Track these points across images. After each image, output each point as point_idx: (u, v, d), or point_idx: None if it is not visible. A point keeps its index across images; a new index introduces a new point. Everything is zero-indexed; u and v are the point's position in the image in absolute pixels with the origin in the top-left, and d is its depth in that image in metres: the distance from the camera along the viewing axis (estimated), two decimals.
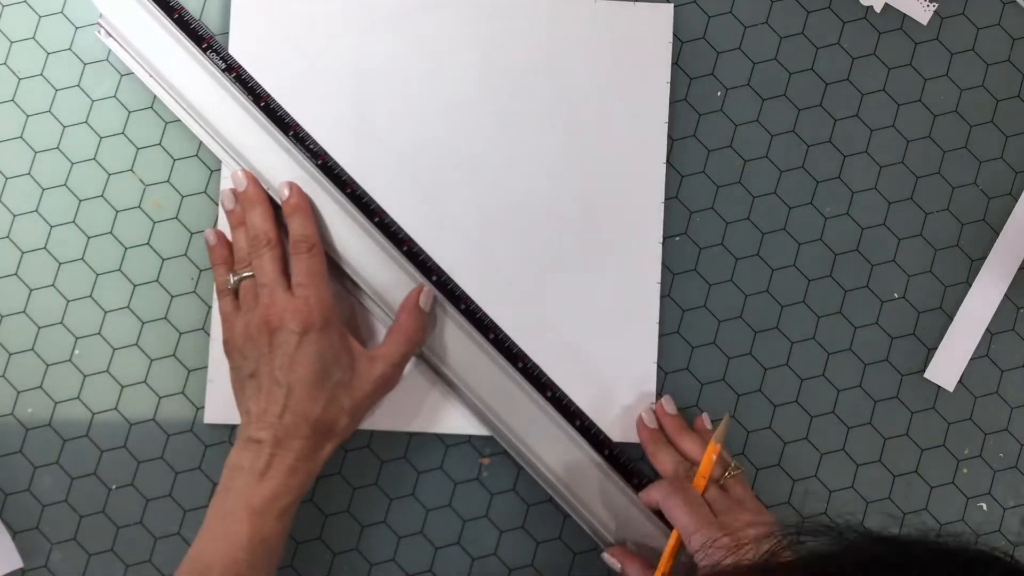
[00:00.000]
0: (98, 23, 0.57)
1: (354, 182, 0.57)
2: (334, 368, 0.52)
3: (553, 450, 0.56)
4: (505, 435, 0.56)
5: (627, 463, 0.57)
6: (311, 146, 0.57)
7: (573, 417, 0.57)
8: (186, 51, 0.57)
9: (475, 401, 0.56)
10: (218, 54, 0.57)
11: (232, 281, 0.54)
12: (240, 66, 0.57)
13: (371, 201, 0.57)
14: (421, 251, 0.57)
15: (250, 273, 0.54)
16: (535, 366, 0.57)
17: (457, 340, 0.57)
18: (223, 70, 0.57)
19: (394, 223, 0.57)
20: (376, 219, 0.57)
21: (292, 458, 0.50)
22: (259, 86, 0.57)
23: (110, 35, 0.57)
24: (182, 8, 0.57)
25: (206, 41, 0.57)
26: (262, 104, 0.57)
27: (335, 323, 0.53)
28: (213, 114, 0.57)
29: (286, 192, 0.55)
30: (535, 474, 0.56)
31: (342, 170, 0.57)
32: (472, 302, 0.57)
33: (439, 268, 0.57)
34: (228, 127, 0.57)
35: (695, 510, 0.51)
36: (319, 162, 0.57)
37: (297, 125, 0.57)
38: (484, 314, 0.57)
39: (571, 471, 0.56)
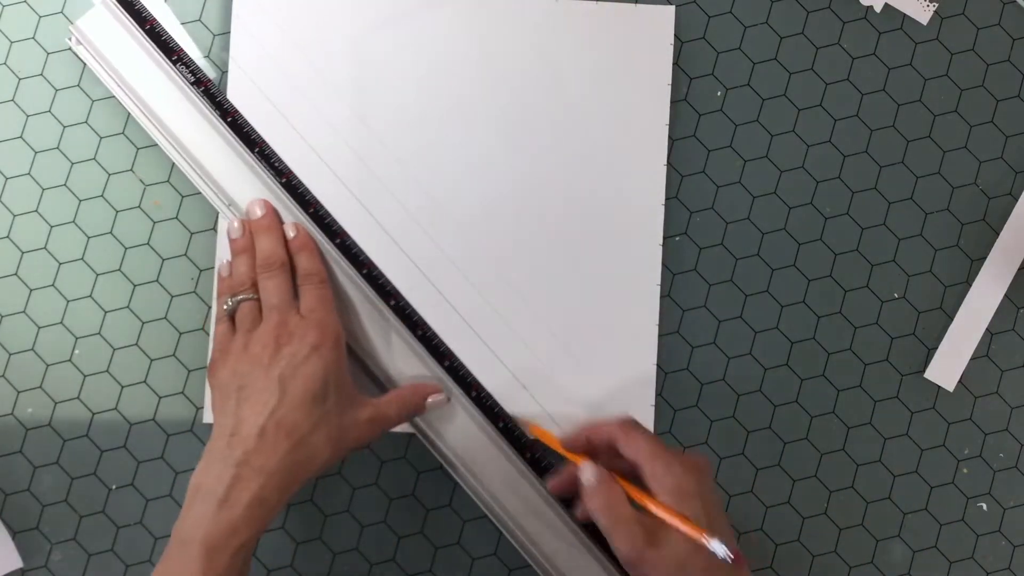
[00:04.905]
0: (69, 30, 0.57)
1: (317, 202, 0.57)
2: (332, 392, 0.50)
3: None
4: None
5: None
6: (276, 163, 0.57)
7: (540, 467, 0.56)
8: (156, 64, 0.57)
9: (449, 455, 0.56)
10: (187, 67, 0.57)
11: (229, 303, 0.53)
12: (209, 80, 0.57)
13: (333, 222, 0.57)
14: (381, 275, 0.57)
15: (250, 295, 0.53)
16: (494, 402, 0.57)
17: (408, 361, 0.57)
18: (191, 83, 0.57)
19: (355, 245, 0.57)
20: (337, 240, 0.57)
21: (258, 485, 0.46)
22: (227, 101, 0.57)
23: (80, 43, 0.57)
24: (154, 20, 0.57)
25: (176, 54, 0.57)
26: (229, 119, 0.57)
27: (343, 350, 0.52)
28: (179, 127, 0.56)
29: (292, 232, 0.55)
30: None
31: (306, 189, 0.57)
32: (425, 324, 0.57)
33: (397, 293, 0.57)
34: (193, 140, 0.56)
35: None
36: (283, 180, 0.57)
37: (263, 142, 0.57)
38: (439, 340, 0.57)
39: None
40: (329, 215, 0.57)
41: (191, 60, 0.57)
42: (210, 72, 0.59)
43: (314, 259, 0.55)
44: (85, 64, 0.58)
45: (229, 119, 0.57)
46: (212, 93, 0.57)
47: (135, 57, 0.57)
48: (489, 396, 0.57)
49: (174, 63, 0.57)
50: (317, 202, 0.57)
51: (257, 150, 0.57)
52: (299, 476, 0.48)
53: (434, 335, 0.57)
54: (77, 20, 0.57)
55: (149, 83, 0.57)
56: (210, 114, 0.57)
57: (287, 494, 0.48)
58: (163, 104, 0.57)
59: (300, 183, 0.57)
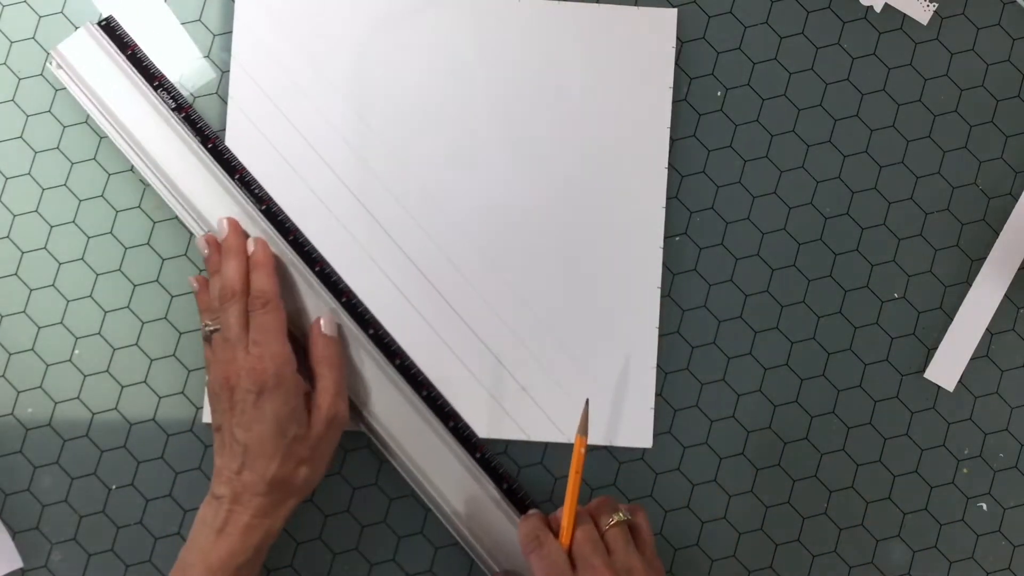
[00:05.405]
0: (50, 54, 0.57)
1: (297, 229, 0.57)
2: (290, 425, 0.51)
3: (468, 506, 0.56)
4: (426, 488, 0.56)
5: None
6: (256, 191, 0.57)
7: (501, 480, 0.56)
8: (137, 89, 0.57)
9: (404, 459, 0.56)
10: (168, 93, 0.57)
11: (209, 325, 0.54)
12: (190, 106, 0.57)
13: (313, 250, 0.57)
14: (360, 303, 0.57)
15: (218, 326, 0.53)
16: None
17: (375, 377, 0.57)
18: (172, 109, 0.57)
19: (334, 273, 0.57)
20: (316, 268, 0.57)
21: (248, 516, 0.51)
22: (208, 127, 0.57)
23: (60, 67, 0.57)
24: (135, 45, 0.57)
25: (157, 79, 0.57)
26: (209, 146, 0.57)
27: (289, 379, 0.52)
28: (159, 153, 0.56)
29: (251, 247, 0.55)
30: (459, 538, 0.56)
31: (286, 216, 0.57)
32: (403, 353, 0.57)
33: (376, 322, 0.57)
34: (173, 165, 0.56)
35: (549, 568, 0.49)
36: (263, 207, 0.57)
37: (243, 169, 0.57)
38: (417, 369, 0.57)
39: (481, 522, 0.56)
40: (309, 243, 0.57)
41: (172, 85, 0.57)
42: (210, 72, 0.59)
43: (267, 278, 0.54)
44: (58, 89, 0.58)
45: (210, 145, 0.57)
46: (192, 119, 0.57)
47: (115, 82, 0.57)
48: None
49: (155, 89, 0.57)
50: (297, 230, 0.57)
51: (238, 176, 0.57)
52: (285, 502, 0.52)
53: (412, 364, 0.57)
54: (58, 44, 0.57)
55: (129, 108, 0.57)
56: (190, 140, 0.57)
57: (279, 520, 0.52)
58: (143, 129, 0.57)
59: (280, 211, 0.57)
